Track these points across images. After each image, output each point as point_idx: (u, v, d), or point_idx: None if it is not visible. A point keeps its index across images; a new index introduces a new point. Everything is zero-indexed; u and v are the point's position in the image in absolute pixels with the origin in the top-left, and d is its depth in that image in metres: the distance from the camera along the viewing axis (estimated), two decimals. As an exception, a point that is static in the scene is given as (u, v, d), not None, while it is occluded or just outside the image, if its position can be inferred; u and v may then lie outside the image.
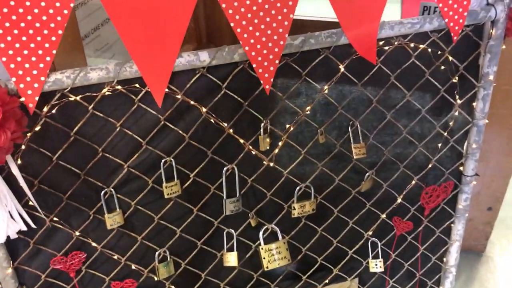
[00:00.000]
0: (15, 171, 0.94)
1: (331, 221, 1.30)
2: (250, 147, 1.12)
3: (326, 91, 1.11)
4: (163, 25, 0.90)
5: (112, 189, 1.07)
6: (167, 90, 0.98)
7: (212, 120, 1.06)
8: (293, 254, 1.32)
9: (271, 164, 1.16)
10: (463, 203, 1.38)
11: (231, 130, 1.09)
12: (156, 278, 1.19)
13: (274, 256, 1.22)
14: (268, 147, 1.14)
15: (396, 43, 1.09)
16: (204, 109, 1.04)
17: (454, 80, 1.19)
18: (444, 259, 1.50)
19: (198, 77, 1.00)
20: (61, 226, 1.08)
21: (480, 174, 1.41)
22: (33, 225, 1.03)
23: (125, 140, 1.04)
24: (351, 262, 1.42)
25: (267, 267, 1.22)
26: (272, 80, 1.00)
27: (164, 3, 0.89)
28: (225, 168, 1.13)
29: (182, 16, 0.91)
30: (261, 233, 1.23)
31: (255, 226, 1.24)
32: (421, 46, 1.11)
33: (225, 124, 1.07)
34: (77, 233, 1.10)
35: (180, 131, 1.05)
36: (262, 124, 1.10)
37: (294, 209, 1.22)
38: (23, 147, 0.95)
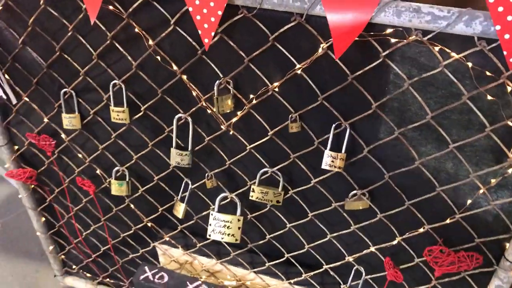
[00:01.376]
0: None
1: (309, 224, 1.07)
2: (205, 103, 0.95)
3: (300, 71, 0.83)
4: None
5: (72, 91, 1.06)
6: (111, 7, 0.87)
7: (158, 58, 0.91)
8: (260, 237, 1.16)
9: (231, 132, 0.97)
10: (493, 289, 0.96)
11: (184, 77, 0.92)
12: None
13: (221, 228, 1.09)
14: (229, 110, 0.94)
15: (410, 38, 0.72)
16: (151, 41, 0.89)
17: (510, 123, 0.75)
18: (460, 338, 1.12)
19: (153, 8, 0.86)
20: (35, 107, 1.13)
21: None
22: (13, 99, 1.13)
23: (81, 49, 0.98)
24: (327, 277, 1.18)
25: (209, 235, 1.09)
26: (213, 34, 0.79)
27: None
28: (176, 116, 0.99)
29: None
30: (218, 199, 1.08)
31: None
32: (454, 54, 0.71)
33: (175, 68, 0.91)
34: (46, 120, 1.14)
35: (129, 57, 0.94)
36: (217, 82, 0.90)
37: (253, 191, 1.03)
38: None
